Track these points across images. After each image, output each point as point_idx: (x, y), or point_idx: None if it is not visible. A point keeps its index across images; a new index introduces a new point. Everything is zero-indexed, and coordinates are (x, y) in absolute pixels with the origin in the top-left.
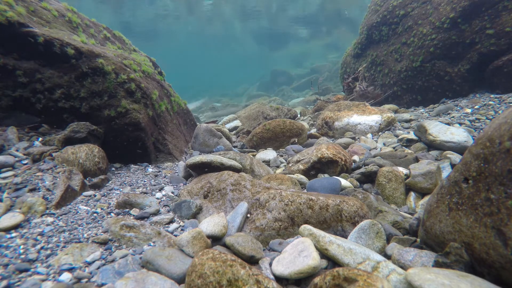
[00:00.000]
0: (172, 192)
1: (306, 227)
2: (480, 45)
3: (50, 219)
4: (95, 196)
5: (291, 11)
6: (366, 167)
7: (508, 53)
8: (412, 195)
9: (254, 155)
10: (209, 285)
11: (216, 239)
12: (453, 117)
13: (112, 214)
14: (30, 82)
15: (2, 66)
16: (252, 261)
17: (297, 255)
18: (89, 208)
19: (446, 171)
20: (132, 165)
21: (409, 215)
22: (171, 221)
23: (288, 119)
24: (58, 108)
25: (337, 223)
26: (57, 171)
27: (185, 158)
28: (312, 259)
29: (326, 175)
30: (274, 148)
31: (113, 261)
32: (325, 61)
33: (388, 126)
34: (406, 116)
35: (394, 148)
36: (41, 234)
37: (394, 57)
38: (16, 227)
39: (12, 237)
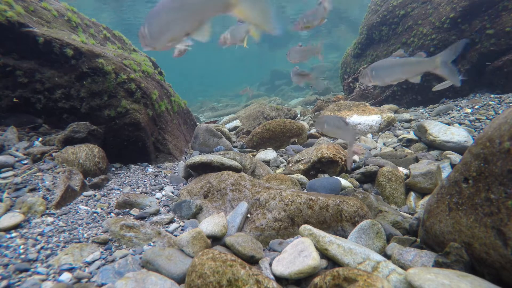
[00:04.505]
0: (172, 192)
1: (306, 227)
2: (480, 45)
3: (50, 219)
4: (95, 196)
5: (291, 11)
6: (366, 167)
7: (508, 53)
8: (412, 195)
9: (254, 155)
10: (209, 285)
11: (216, 239)
12: (453, 117)
13: (112, 214)
14: (30, 82)
15: (2, 66)
16: (252, 261)
17: (297, 255)
18: (89, 208)
19: (446, 171)
20: (132, 165)
21: (409, 215)
22: (171, 221)
23: (288, 119)
24: (58, 108)
25: (337, 223)
26: (57, 171)
27: (185, 158)
28: (312, 259)
29: (326, 175)
30: (274, 148)
31: (113, 261)
32: (325, 61)
33: (388, 126)
34: (406, 116)
35: (394, 148)
36: (41, 234)
37: None
38: (16, 227)
39: (12, 237)
